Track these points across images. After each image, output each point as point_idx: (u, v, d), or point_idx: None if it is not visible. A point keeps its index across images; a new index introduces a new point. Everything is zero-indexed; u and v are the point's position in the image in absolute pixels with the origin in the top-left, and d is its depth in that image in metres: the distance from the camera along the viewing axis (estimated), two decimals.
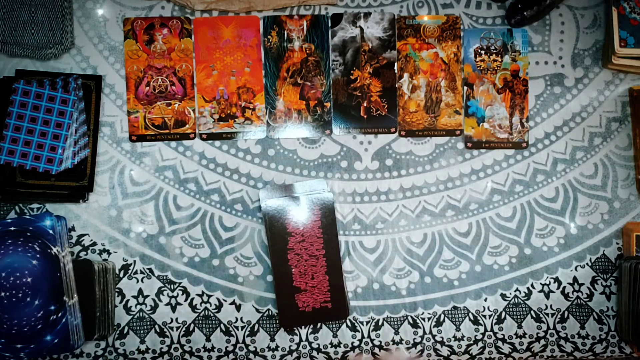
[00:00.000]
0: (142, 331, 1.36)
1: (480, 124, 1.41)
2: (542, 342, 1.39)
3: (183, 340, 1.37)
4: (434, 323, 1.39)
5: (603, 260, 1.41)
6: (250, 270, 1.38)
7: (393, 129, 1.41)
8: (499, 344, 1.39)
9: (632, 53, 1.36)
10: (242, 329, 1.37)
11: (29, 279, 1.24)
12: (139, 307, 1.37)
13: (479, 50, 1.42)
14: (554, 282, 1.40)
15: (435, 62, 1.41)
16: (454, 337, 1.39)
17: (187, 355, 1.37)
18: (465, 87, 1.41)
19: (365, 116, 1.41)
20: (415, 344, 1.39)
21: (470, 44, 1.42)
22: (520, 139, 1.41)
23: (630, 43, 1.36)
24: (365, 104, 1.41)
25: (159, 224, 1.38)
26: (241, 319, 1.38)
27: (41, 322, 1.24)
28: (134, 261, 1.37)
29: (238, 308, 1.38)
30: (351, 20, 1.41)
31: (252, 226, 1.39)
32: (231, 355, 1.37)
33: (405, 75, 1.41)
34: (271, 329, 1.38)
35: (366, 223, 1.40)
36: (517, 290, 1.40)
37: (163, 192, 1.39)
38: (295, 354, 1.38)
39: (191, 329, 1.37)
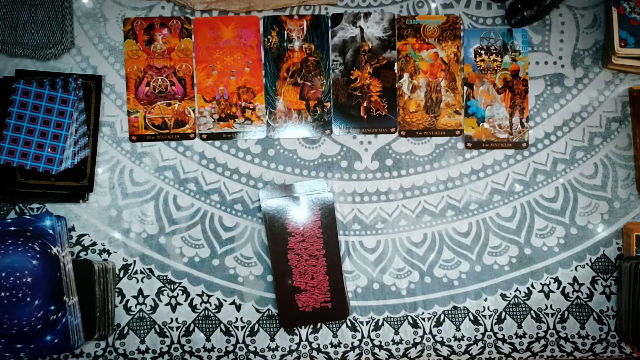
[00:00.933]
0: (142, 331, 1.36)
1: (480, 124, 1.41)
2: (542, 342, 1.39)
3: (183, 340, 1.37)
4: (434, 323, 1.39)
5: (603, 260, 1.41)
6: (250, 270, 1.38)
7: (393, 129, 1.41)
8: (499, 344, 1.39)
9: (632, 53, 1.36)
10: (242, 329, 1.37)
11: (29, 279, 1.24)
12: (139, 307, 1.37)
13: (479, 50, 1.41)
14: (554, 282, 1.40)
15: (435, 62, 1.41)
16: (454, 337, 1.39)
17: (187, 355, 1.37)
18: (465, 87, 1.41)
19: (365, 116, 1.41)
20: (415, 344, 1.39)
21: (470, 44, 1.42)
22: (520, 139, 1.41)
23: (630, 43, 1.36)
24: (365, 104, 1.40)
25: (159, 224, 1.38)
26: (241, 319, 1.38)
27: (41, 322, 1.24)
28: (134, 261, 1.37)
29: (238, 308, 1.38)
30: (351, 20, 1.41)
31: (252, 226, 1.39)
32: (231, 355, 1.37)
33: (405, 75, 1.41)
34: (271, 329, 1.38)
35: (366, 223, 1.40)
36: (517, 290, 1.40)
37: (163, 192, 1.39)
38: (295, 354, 1.38)
39: (191, 329, 1.37)
